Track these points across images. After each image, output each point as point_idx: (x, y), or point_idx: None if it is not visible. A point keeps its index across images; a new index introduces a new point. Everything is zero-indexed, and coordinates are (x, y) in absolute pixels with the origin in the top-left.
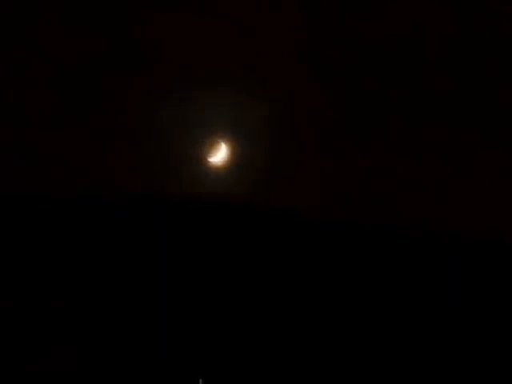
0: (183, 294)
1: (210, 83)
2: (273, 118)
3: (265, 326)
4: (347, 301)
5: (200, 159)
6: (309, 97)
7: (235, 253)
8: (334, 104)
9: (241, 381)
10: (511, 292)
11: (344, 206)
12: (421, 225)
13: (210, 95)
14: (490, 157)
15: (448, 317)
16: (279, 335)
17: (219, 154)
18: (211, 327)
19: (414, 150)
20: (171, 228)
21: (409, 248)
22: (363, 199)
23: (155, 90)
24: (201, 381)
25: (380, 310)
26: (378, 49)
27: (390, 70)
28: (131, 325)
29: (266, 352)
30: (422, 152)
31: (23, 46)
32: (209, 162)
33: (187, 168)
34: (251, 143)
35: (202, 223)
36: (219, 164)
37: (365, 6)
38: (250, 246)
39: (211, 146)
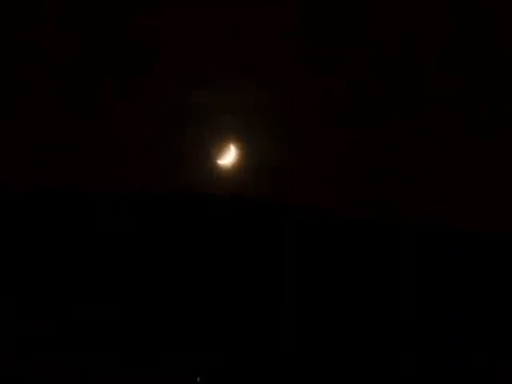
0: (186, 295)
1: (210, 83)
2: (274, 118)
3: (265, 325)
4: (347, 300)
5: (201, 159)
6: (309, 97)
7: (237, 252)
8: (334, 104)
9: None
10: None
11: (344, 206)
12: (421, 225)
13: (211, 95)
14: (491, 157)
15: (448, 316)
16: (280, 335)
17: (222, 154)
18: (214, 327)
19: (415, 149)
20: (173, 228)
21: (408, 247)
22: (363, 199)
23: (155, 90)
24: (199, 379)
25: (379, 310)
26: (377, 48)
27: (389, 69)
28: (130, 324)
29: (266, 351)
30: (423, 152)
31: (23, 46)
32: (211, 162)
33: (188, 168)
34: (252, 143)
35: (203, 223)
36: (221, 164)
37: (364, 3)
38: (250, 245)
39: (214, 146)
